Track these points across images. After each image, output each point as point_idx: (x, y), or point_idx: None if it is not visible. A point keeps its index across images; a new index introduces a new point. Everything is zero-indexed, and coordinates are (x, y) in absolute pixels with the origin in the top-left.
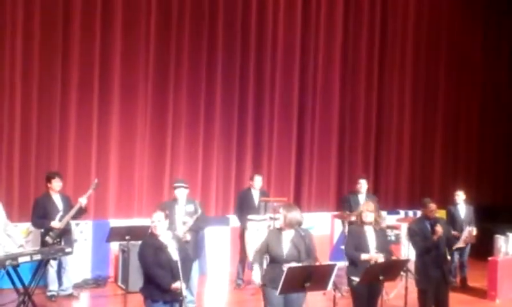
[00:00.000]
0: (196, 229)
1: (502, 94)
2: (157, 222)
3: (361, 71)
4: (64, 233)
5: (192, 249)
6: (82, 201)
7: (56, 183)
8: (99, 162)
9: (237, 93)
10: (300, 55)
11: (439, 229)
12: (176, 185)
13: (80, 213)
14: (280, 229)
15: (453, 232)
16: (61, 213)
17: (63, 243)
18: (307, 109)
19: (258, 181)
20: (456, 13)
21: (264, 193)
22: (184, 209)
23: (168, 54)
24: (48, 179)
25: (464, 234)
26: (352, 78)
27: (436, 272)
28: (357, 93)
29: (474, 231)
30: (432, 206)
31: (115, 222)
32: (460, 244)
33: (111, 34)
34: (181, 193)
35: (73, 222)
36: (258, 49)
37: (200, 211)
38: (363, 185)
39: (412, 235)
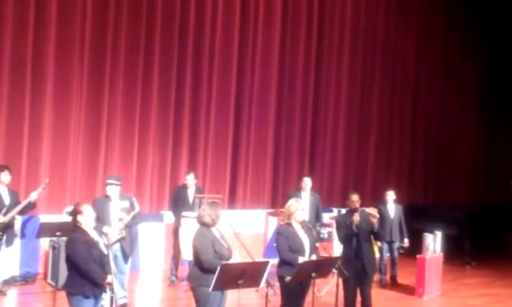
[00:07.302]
0: (131, 226)
1: (434, 97)
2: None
3: (299, 72)
4: (8, 228)
5: (128, 245)
6: (33, 195)
7: (5, 177)
8: (30, 157)
9: (173, 89)
10: (238, 55)
11: (356, 218)
12: (107, 181)
13: (29, 207)
14: (208, 228)
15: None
16: (6, 208)
17: (4, 237)
18: (243, 107)
19: (189, 179)
20: (390, 19)
21: (199, 190)
22: (119, 205)
23: (104, 50)
24: None
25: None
26: (289, 78)
27: (356, 263)
28: (293, 93)
29: (406, 242)
30: (353, 197)
31: (45, 218)
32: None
33: (45, 30)
34: (112, 190)
35: (19, 218)
36: (196, 47)
37: (137, 208)
38: (307, 183)
39: (338, 227)
